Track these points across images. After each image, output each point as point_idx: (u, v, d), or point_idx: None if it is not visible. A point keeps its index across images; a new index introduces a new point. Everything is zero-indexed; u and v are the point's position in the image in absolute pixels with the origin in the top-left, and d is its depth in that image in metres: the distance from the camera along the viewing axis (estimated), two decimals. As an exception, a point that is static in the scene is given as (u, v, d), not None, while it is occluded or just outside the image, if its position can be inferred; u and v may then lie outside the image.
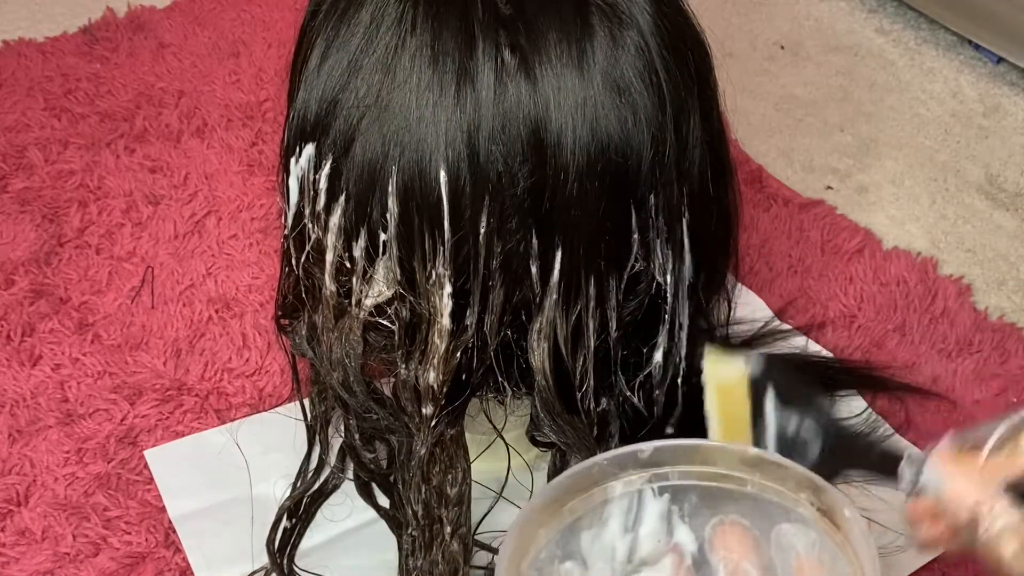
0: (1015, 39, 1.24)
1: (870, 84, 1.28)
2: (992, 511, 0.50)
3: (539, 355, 0.65)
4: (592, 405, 0.68)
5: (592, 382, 0.67)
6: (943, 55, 1.32)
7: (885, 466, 0.53)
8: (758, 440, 0.54)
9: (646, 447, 0.56)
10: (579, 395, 0.68)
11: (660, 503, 0.56)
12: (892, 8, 1.39)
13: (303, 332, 0.72)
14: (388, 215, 0.62)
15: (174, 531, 0.81)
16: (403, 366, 0.67)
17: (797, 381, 0.55)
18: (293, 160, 0.66)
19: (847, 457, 0.53)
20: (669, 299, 0.67)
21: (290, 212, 0.67)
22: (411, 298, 0.64)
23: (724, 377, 0.55)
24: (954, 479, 0.51)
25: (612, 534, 0.56)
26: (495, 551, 0.76)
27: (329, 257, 0.65)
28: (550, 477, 0.77)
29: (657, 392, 0.69)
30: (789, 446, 0.53)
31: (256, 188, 1.10)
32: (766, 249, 1.05)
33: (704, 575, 0.53)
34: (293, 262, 0.69)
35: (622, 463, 0.56)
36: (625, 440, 0.72)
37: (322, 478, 0.82)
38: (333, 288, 0.67)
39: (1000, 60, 1.29)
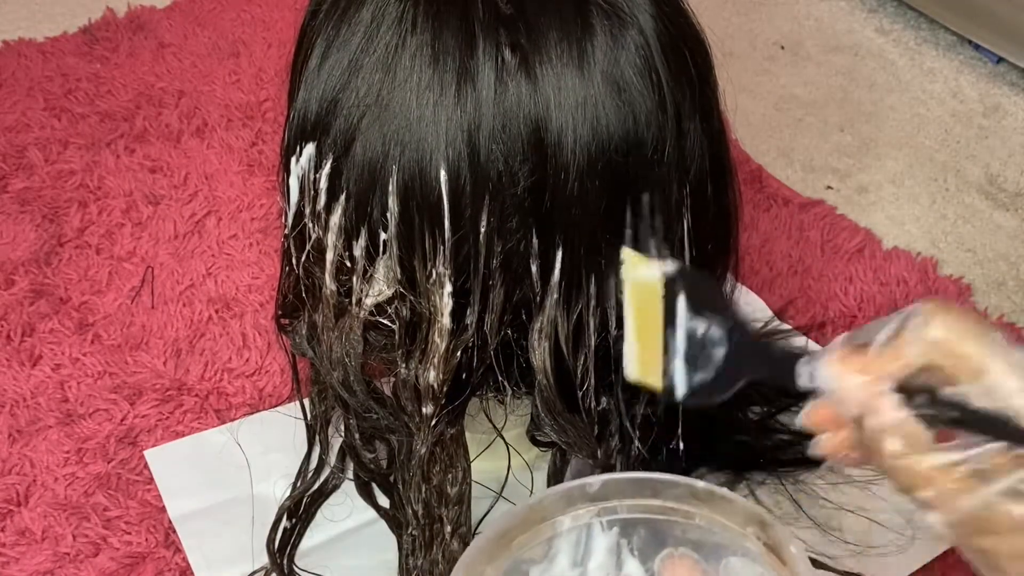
0: (1015, 39, 1.24)
1: (870, 84, 1.28)
2: (877, 407, 0.48)
3: (540, 354, 0.65)
4: (593, 404, 0.68)
5: (593, 380, 0.67)
6: (943, 55, 1.32)
7: (786, 367, 0.52)
8: (668, 341, 0.54)
9: (594, 480, 0.56)
10: (580, 394, 0.68)
11: (609, 537, 0.56)
12: (892, 8, 1.39)
13: (303, 331, 0.72)
14: (388, 214, 0.62)
15: (174, 531, 0.81)
16: (403, 365, 0.67)
17: (708, 289, 0.55)
18: (293, 159, 0.66)
19: (750, 359, 0.53)
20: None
21: (290, 212, 0.68)
22: (411, 297, 0.64)
23: (641, 277, 0.55)
24: (844, 377, 0.49)
25: (561, 569, 0.56)
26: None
27: (329, 256, 0.65)
28: (550, 477, 0.77)
29: None
30: (698, 348, 0.54)
31: (256, 188, 1.10)
32: (766, 249, 1.05)
33: None
34: (293, 261, 0.69)
35: (571, 497, 0.56)
36: (624, 440, 0.72)
37: (322, 478, 0.82)
38: (333, 287, 0.67)
39: (1000, 60, 1.29)
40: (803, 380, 0.51)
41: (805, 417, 0.52)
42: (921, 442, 0.47)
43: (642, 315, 0.55)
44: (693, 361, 0.54)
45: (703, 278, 0.56)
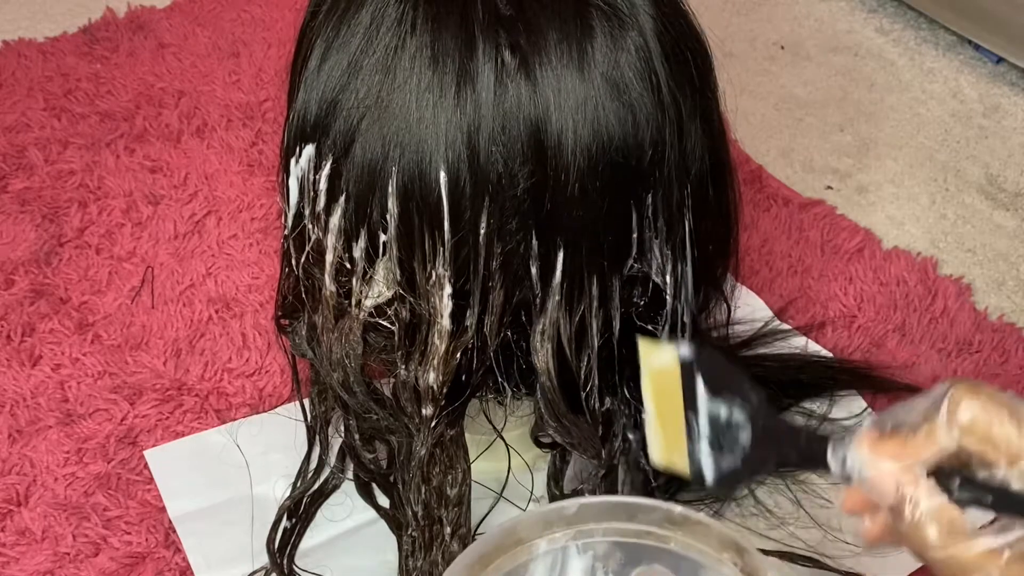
0: (1015, 39, 1.24)
1: (870, 84, 1.28)
2: (914, 495, 0.47)
3: (543, 356, 0.65)
4: (596, 404, 0.68)
5: (596, 381, 0.67)
6: (943, 55, 1.32)
7: (813, 451, 0.52)
8: (690, 424, 0.54)
9: (571, 504, 0.57)
10: (583, 395, 0.68)
11: (584, 560, 0.57)
12: (892, 8, 1.39)
13: (303, 332, 0.72)
14: (388, 216, 0.62)
15: (174, 531, 0.81)
16: (403, 367, 0.67)
17: (725, 369, 0.54)
18: (293, 161, 0.66)
19: (777, 443, 0.53)
20: (670, 300, 0.67)
21: (290, 213, 0.68)
22: (411, 299, 0.65)
23: (657, 365, 0.55)
24: (876, 464, 0.48)
25: None
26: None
27: (329, 258, 0.66)
28: (550, 477, 0.78)
29: None
30: (722, 432, 0.53)
31: (256, 188, 1.10)
32: (766, 249, 1.05)
33: None
34: (293, 262, 0.69)
35: (547, 521, 0.57)
36: (627, 441, 0.72)
37: (322, 478, 0.82)
38: (333, 289, 0.67)
39: (1000, 60, 1.29)
40: (835, 467, 0.50)
41: (843, 503, 0.51)
42: (961, 528, 0.46)
43: (661, 400, 0.55)
44: (718, 444, 0.53)
45: (720, 359, 0.56)
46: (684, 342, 0.55)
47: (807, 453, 0.52)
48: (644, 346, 0.56)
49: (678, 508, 0.56)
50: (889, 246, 1.06)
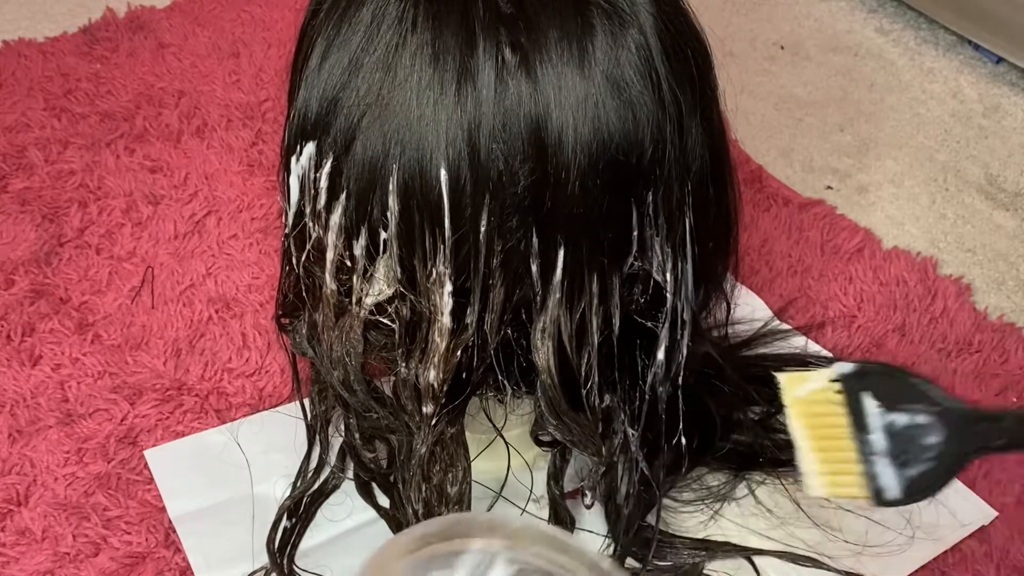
0: (1015, 39, 1.24)
1: (870, 84, 1.28)
2: None
3: (544, 354, 0.65)
4: (597, 401, 0.68)
5: (596, 378, 0.67)
6: (943, 55, 1.32)
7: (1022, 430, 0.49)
8: (864, 449, 0.51)
9: (519, 520, 0.59)
10: (584, 392, 0.68)
11: (507, 569, 0.58)
12: (892, 8, 1.39)
13: (303, 331, 0.72)
14: (389, 213, 0.62)
15: (174, 531, 0.81)
16: (403, 365, 0.67)
17: (892, 377, 0.51)
18: (294, 159, 0.66)
19: (979, 433, 0.50)
20: (670, 297, 0.67)
21: (291, 211, 0.68)
22: (411, 296, 0.65)
23: (804, 395, 0.52)
24: None
25: None
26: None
27: (330, 256, 0.66)
28: (550, 476, 0.78)
29: (661, 389, 0.69)
30: (905, 442, 0.50)
31: (256, 188, 1.10)
32: (766, 249, 1.05)
33: None
34: (294, 261, 0.69)
35: (493, 525, 0.58)
36: (627, 439, 0.72)
37: (322, 478, 0.82)
38: (334, 287, 0.67)
39: (1000, 60, 1.29)
40: None
41: None
42: None
43: (817, 429, 0.52)
44: (900, 457, 0.50)
45: (881, 369, 0.52)
46: (843, 364, 0.53)
47: (1018, 434, 0.49)
48: (787, 379, 0.53)
49: (607, 562, 0.58)
50: (889, 246, 1.06)
